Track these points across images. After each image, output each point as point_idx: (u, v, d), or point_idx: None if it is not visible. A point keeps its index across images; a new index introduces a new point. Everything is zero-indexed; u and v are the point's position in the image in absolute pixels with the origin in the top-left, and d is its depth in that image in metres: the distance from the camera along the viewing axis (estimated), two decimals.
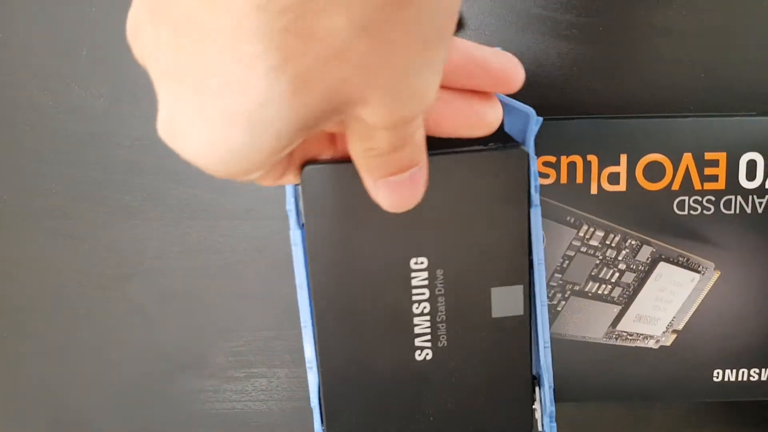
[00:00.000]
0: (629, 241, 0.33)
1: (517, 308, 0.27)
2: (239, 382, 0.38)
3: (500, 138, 0.26)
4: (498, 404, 0.28)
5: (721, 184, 0.32)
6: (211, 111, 0.16)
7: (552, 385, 0.29)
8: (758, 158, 0.32)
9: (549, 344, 0.29)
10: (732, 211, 0.32)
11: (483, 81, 0.22)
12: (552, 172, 0.32)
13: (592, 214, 0.32)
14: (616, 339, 0.34)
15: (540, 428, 0.29)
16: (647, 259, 0.33)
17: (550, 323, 0.33)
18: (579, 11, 0.34)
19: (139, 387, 0.39)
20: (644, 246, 0.33)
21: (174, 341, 0.38)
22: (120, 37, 0.35)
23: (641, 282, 0.33)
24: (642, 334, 0.34)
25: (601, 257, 0.33)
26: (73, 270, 0.37)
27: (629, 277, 0.33)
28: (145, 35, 0.16)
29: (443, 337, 0.27)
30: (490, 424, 0.28)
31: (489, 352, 0.27)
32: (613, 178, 0.32)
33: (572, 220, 0.33)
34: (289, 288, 0.37)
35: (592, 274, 0.33)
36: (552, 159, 0.32)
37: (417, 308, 0.27)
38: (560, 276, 0.33)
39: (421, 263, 0.26)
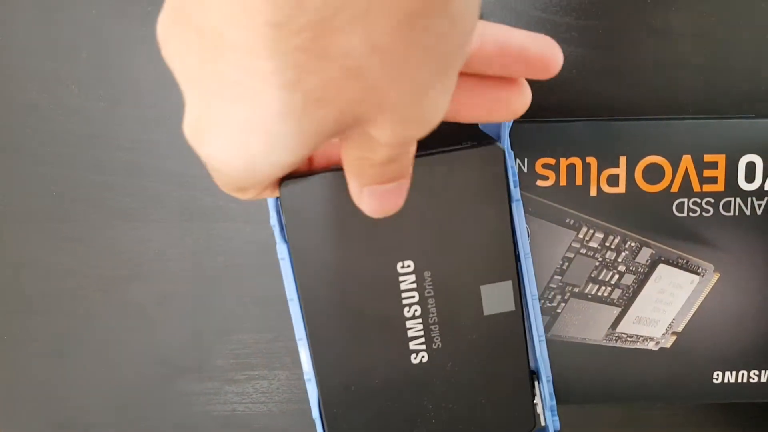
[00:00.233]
0: (629, 243, 0.33)
1: (508, 304, 0.27)
2: (240, 384, 0.38)
3: (475, 136, 0.26)
4: (499, 402, 0.28)
5: (720, 186, 0.32)
6: (230, 119, 0.16)
7: (550, 378, 0.29)
8: (757, 160, 0.32)
9: (544, 337, 0.29)
10: (731, 213, 0.32)
11: (518, 69, 0.21)
12: (551, 174, 0.32)
13: (591, 216, 0.33)
14: (616, 341, 0.34)
15: (543, 423, 0.29)
16: (647, 261, 0.33)
17: (550, 325, 0.34)
18: (579, 14, 0.34)
19: (140, 389, 0.39)
20: (644, 248, 0.33)
21: (174, 343, 0.38)
22: (120, 40, 0.35)
23: (641, 284, 0.33)
24: (642, 336, 0.34)
25: (600, 259, 0.33)
26: (72, 272, 0.37)
27: (629, 279, 0.33)
28: (174, 38, 0.17)
29: (437, 339, 0.27)
30: (493, 422, 0.28)
31: (484, 351, 0.27)
32: (613, 180, 0.32)
33: (572, 222, 0.33)
34: None
35: (592, 275, 0.33)
36: (551, 161, 0.32)
37: (408, 312, 0.27)
38: (560, 278, 0.33)
39: (408, 266, 0.26)
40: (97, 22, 0.35)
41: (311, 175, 0.24)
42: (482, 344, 0.27)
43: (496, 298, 0.27)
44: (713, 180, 0.32)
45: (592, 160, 0.32)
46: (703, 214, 0.32)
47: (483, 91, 0.22)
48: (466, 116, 0.22)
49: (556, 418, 0.29)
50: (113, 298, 0.38)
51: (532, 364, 0.29)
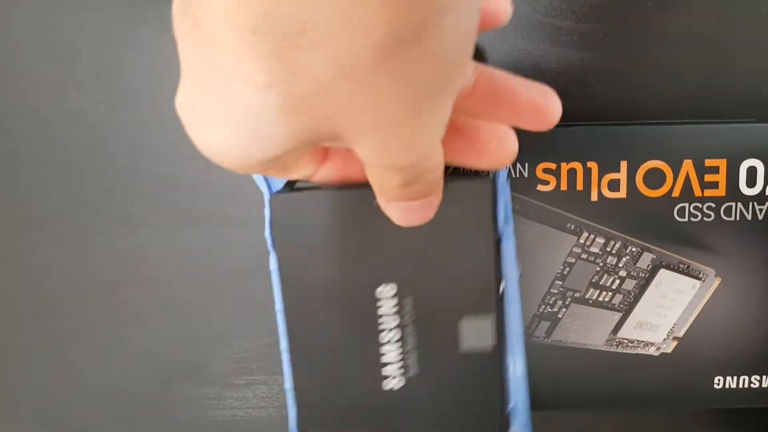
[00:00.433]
0: (630, 248, 0.33)
1: (486, 340, 0.27)
2: (240, 389, 0.38)
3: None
4: None
5: (721, 191, 0.32)
6: (216, 108, 0.17)
7: (528, 422, 0.29)
8: (758, 165, 0.32)
9: (525, 377, 0.29)
10: (732, 218, 0.32)
11: (508, 116, 0.20)
12: (552, 179, 0.32)
13: (592, 221, 0.32)
14: (617, 346, 0.34)
15: None
16: (648, 266, 0.33)
17: (551, 330, 0.33)
18: (579, 18, 0.34)
19: (139, 394, 0.38)
20: (645, 253, 0.33)
21: (174, 348, 0.38)
22: (120, 44, 0.35)
23: (642, 289, 0.33)
24: (643, 341, 0.34)
25: (601, 264, 0.33)
26: (71, 277, 0.37)
27: (630, 284, 0.33)
28: (180, 23, 0.17)
29: (414, 366, 0.27)
30: None
31: (459, 384, 0.27)
32: (614, 185, 0.32)
33: (572, 227, 0.32)
34: None
35: (593, 281, 0.33)
36: (552, 166, 0.32)
37: (386, 336, 0.26)
38: (561, 283, 0.33)
39: (391, 290, 0.26)
40: (96, 26, 0.35)
41: (304, 190, 0.24)
42: (457, 377, 0.27)
43: (474, 333, 0.26)
44: (714, 185, 0.32)
45: (592, 165, 0.32)
46: (705, 219, 0.32)
47: (471, 137, 0.21)
48: (451, 159, 0.22)
49: None
50: (113, 302, 0.38)
51: (511, 402, 0.29)
